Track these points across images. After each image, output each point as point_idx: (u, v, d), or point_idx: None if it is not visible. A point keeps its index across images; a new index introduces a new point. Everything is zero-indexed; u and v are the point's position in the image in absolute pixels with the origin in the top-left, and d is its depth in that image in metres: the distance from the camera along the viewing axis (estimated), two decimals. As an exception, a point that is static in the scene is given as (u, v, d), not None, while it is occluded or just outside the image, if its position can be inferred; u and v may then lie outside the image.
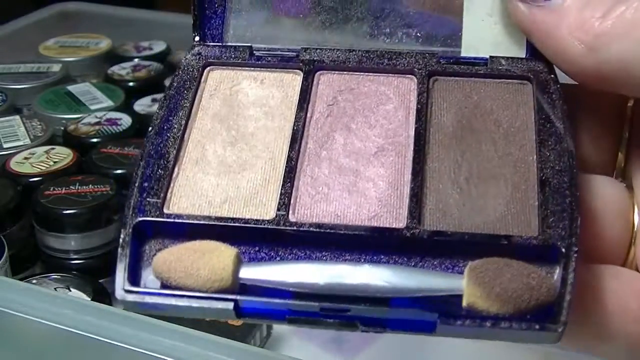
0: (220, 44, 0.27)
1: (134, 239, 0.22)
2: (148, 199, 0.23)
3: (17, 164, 0.45)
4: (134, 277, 0.22)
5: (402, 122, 0.24)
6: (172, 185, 0.23)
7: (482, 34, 0.26)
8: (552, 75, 0.25)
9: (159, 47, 0.65)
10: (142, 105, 0.54)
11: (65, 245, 0.42)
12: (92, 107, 0.53)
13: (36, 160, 0.46)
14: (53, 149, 0.47)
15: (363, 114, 0.25)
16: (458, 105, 0.25)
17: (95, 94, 0.55)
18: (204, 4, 0.27)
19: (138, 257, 0.22)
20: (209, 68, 0.27)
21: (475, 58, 0.26)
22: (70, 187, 0.42)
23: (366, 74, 0.26)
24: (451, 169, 0.23)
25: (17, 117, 0.51)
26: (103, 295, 0.39)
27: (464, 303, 0.20)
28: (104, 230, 0.42)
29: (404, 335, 0.41)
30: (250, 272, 0.21)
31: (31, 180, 0.44)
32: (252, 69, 0.27)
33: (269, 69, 0.26)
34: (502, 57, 0.25)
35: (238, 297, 0.21)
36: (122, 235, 0.22)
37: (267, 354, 0.29)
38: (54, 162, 0.45)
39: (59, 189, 0.42)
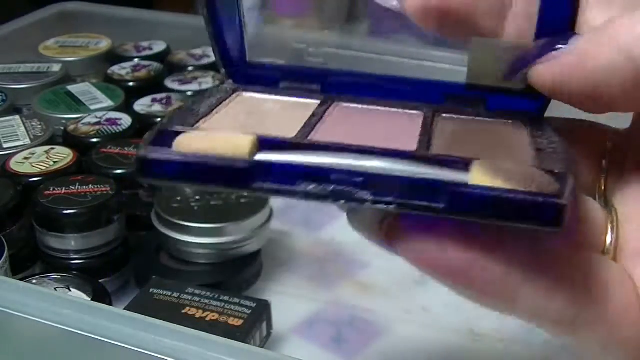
0: (248, 81, 0.29)
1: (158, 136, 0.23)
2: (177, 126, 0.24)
3: (17, 164, 0.45)
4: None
5: (406, 127, 0.26)
6: (199, 124, 0.25)
7: (487, 62, 0.27)
8: (543, 111, 0.27)
9: (159, 47, 0.65)
10: (142, 105, 0.54)
11: (65, 245, 0.42)
12: (92, 107, 0.53)
13: (36, 160, 0.46)
14: (53, 149, 0.47)
15: (373, 125, 0.27)
16: (459, 126, 0.26)
17: (95, 94, 0.55)
18: (225, 49, 0.29)
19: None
20: (238, 92, 0.29)
21: (479, 90, 0.27)
22: (70, 187, 0.42)
23: (378, 107, 0.28)
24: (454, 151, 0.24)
25: (17, 117, 0.51)
26: (103, 295, 0.39)
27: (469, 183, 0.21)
28: (104, 230, 0.42)
29: (403, 335, 0.41)
30: (267, 156, 0.22)
31: (31, 180, 0.44)
32: (277, 95, 0.29)
33: (291, 97, 0.29)
34: (502, 89, 0.27)
35: (255, 157, 0.21)
36: (145, 136, 0.23)
37: (267, 354, 0.29)
38: (54, 162, 0.45)
39: (59, 189, 0.42)
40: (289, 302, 0.43)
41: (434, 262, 0.22)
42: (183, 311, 0.38)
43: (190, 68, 0.60)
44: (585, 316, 0.23)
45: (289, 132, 0.24)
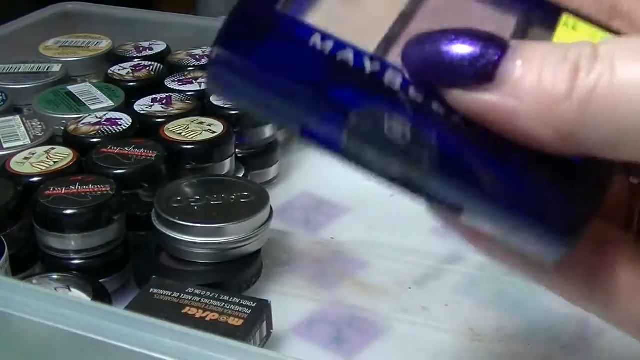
0: None
1: None
2: None
3: (17, 164, 0.45)
4: None
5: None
6: None
7: None
8: None
9: (159, 47, 0.65)
10: (142, 105, 0.54)
11: (65, 245, 0.42)
12: (92, 107, 0.53)
13: (36, 160, 0.46)
14: (53, 149, 0.47)
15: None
16: None
17: (95, 94, 0.55)
18: None
19: None
20: None
21: None
22: (70, 187, 0.42)
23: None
24: None
25: (17, 117, 0.52)
26: (103, 295, 0.39)
27: None
28: (104, 230, 0.42)
29: (403, 335, 0.41)
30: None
31: (31, 180, 0.44)
32: None
33: None
34: None
35: None
36: None
37: (267, 354, 0.29)
38: (54, 162, 0.45)
39: (59, 189, 0.42)
40: (289, 302, 0.43)
41: (462, 229, 0.24)
42: (183, 311, 0.38)
43: (190, 68, 0.60)
44: (598, 304, 0.23)
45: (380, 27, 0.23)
